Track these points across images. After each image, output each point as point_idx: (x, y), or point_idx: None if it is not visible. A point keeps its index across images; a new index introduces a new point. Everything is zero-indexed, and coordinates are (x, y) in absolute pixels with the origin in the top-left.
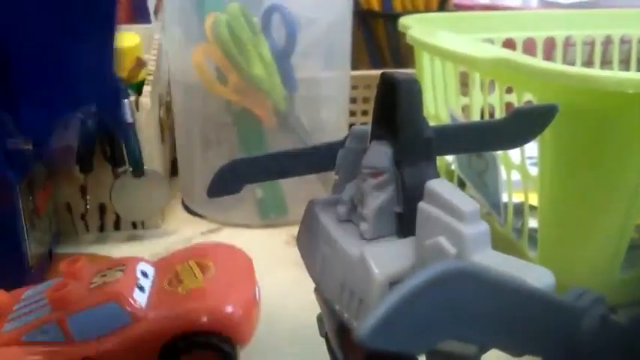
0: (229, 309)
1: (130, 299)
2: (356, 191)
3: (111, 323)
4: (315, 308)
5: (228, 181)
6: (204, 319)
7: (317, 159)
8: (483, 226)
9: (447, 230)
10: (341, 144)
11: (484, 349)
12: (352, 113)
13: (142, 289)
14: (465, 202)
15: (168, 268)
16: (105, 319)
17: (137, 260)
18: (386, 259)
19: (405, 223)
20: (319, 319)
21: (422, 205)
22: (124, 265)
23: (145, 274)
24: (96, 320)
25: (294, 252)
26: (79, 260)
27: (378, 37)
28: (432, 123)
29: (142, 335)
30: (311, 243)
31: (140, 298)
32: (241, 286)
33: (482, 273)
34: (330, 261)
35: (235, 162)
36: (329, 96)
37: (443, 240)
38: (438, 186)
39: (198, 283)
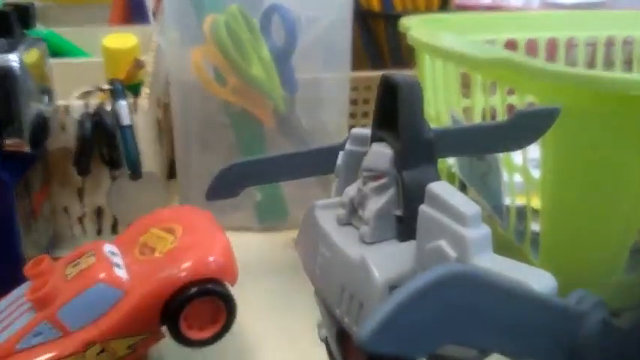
0: (214, 254)
1: (114, 276)
2: (356, 194)
3: (104, 304)
4: (314, 312)
5: (227, 184)
6: (195, 269)
7: (317, 162)
8: (485, 230)
9: (448, 233)
10: (341, 146)
11: (485, 354)
12: (352, 115)
13: (118, 266)
14: (467, 205)
15: (131, 242)
16: (96, 302)
17: (101, 243)
18: (386, 262)
19: (405, 227)
20: (319, 323)
21: (423, 208)
22: (92, 250)
23: (113, 254)
24: (87, 306)
25: (293, 255)
26: (42, 260)
27: (378, 37)
28: (433, 125)
29: (139, 302)
30: (311, 246)
31: (122, 274)
32: (213, 233)
33: (482, 276)
34: (330, 264)
35: (234, 165)
36: (329, 97)
37: (444, 243)
38: (439, 189)
39: (171, 243)
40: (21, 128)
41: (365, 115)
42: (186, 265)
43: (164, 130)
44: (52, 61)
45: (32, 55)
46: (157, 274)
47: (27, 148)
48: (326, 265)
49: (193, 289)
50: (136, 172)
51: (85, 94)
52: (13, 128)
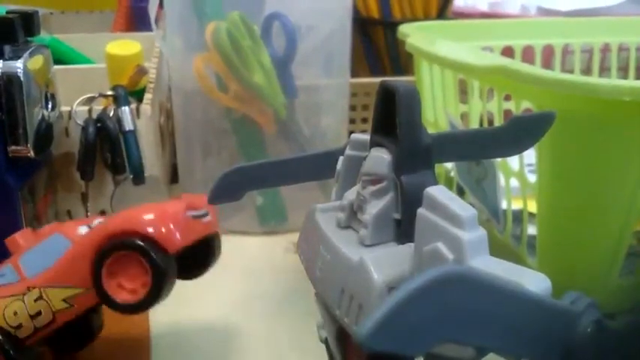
0: (148, 214)
1: (73, 229)
2: (356, 198)
3: (55, 253)
4: (314, 314)
5: (229, 188)
6: (121, 222)
7: (317, 166)
8: (481, 232)
9: (445, 236)
10: (341, 151)
11: (482, 353)
12: (352, 120)
13: (91, 228)
14: (463, 208)
15: None
16: (50, 252)
17: (103, 217)
18: (385, 264)
19: (403, 230)
20: (319, 324)
21: (421, 211)
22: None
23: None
24: (43, 255)
25: (294, 259)
26: (46, 227)
27: (377, 44)
28: (431, 130)
29: (72, 252)
30: (311, 249)
31: (85, 231)
32: (174, 204)
33: (479, 277)
34: (330, 266)
35: (236, 169)
36: (329, 103)
37: (441, 246)
38: (437, 193)
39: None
40: (25, 134)
41: (364, 120)
42: (117, 218)
43: (166, 135)
44: (56, 67)
45: (36, 62)
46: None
47: (31, 154)
48: (326, 266)
49: (115, 241)
50: (138, 177)
51: (89, 100)
52: (18, 134)
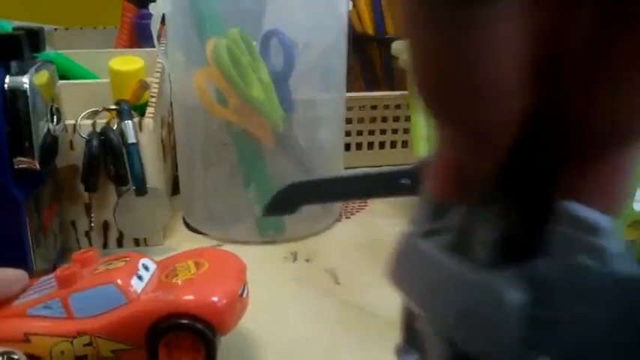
0: (212, 297)
1: (127, 283)
2: (462, 220)
3: (108, 303)
4: (312, 322)
5: (286, 202)
6: (188, 303)
7: (378, 185)
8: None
9: (587, 248)
10: (404, 172)
11: None
12: (347, 133)
13: (140, 278)
14: (600, 218)
15: (169, 266)
16: (103, 300)
17: (142, 256)
18: (513, 282)
19: (521, 249)
20: (397, 349)
21: (554, 227)
22: (130, 257)
23: (146, 268)
24: (94, 300)
25: (292, 268)
26: (90, 251)
27: (372, 60)
28: (425, 145)
29: (132, 314)
30: (413, 274)
31: (137, 285)
32: (228, 281)
33: None
34: (443, 289)
35: (295, 184)
36: (325, 117)
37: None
38: (571, 206)
39: (190, 275)
40: (31, 147)
41: (359, 133)
42: (181, 297)
43: (168, 148)
44: (61, 82)
45: (42, 77)
46: (158, 295)
47: (37, 166)
48: (437, 289)
49: (177, 320)
50: (141, 188)
51: (93, 114)
52: (24, 147)
